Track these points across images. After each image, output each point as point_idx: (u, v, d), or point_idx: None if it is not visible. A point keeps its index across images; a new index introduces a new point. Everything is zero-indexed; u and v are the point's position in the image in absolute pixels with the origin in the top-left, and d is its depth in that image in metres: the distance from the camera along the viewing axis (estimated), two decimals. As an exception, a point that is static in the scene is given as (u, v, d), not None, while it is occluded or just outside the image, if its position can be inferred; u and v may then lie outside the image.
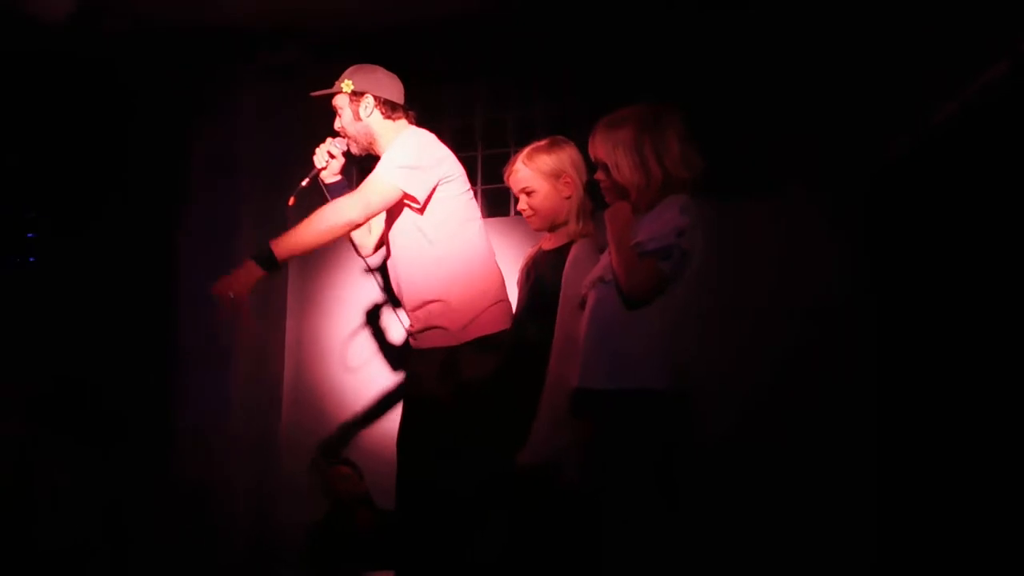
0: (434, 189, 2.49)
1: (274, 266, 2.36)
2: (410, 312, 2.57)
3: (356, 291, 3.81)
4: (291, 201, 2.59)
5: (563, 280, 2.28)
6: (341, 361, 3.84)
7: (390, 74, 2.63)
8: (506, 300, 2.57)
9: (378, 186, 2.44)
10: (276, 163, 3.87)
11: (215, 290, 2.33)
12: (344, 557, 3.34)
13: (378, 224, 2.71)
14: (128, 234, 4.24)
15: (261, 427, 3.87)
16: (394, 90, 2.62)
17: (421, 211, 2.49)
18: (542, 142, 2.47)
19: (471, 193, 2.61)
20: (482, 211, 3.67)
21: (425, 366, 2.52)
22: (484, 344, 2.45)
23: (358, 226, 2.48)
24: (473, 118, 3.71)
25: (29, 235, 4.60)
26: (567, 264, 2.30)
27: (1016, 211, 2.18)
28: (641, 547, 1.86)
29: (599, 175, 2.09)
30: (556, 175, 2.40)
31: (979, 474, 2.27)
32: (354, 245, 2.76)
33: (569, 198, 2.40)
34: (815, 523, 2.87)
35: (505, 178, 2.49)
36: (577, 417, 2.03)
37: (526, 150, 2.46)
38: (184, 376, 3.93)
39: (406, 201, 2.49)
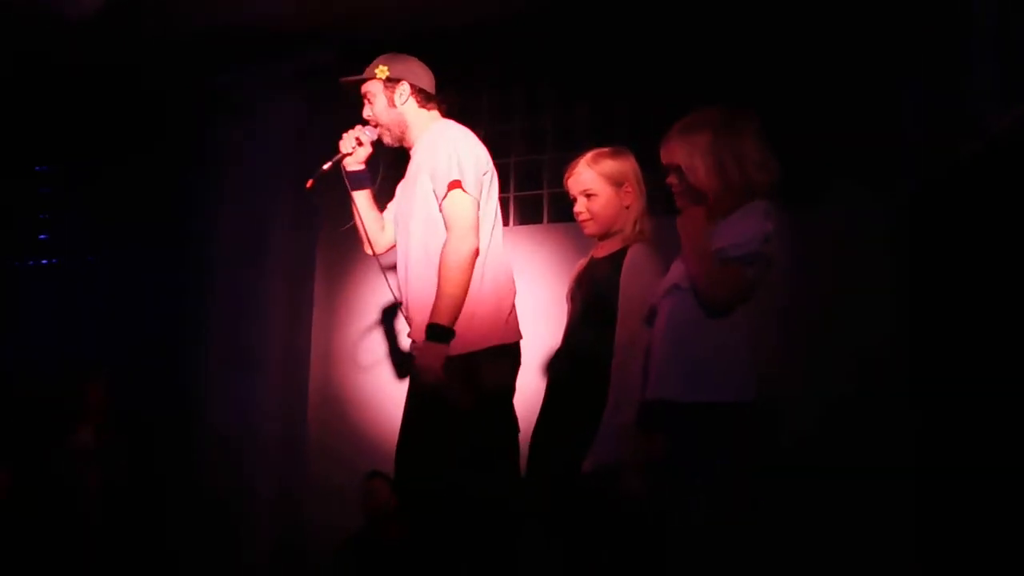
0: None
1: (450, 335, 2.28)
2: (416, 314, 2.41)
3: (382, 296, 3.75)
4: (309, 184, 2.51)
5: (621, 285, 2.23)
6: (367, 366, 3.80)
7: (422, 64, 2.55)
8: (515, 312, 2.47)
9: (460, 205, 2.32)
10: (308, 165, 3.84)
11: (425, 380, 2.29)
12: (375, 571, 3.29)
13: (391, 223, 2.61)
14: (161, 238, 4.26)
15: (288, 431, 3.84)
16: (428, 79, 2.53)
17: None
18: (605, 149, 2.42)
19: (497, 196, 2.51)
20: (515, 219, 3.68)
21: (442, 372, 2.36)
22: (497, 353, 2.36)
23: (476, 250, 2.33)
24: (510, 124, 3.65)
25: (42, 236, 4.64)
26: (624, 269, 2.25)
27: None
28: (717, 563, 1.79)
29: (672, 179, 2.02)
30: (619, 182, 2.35)
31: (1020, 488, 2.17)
32: (368, 240, 2.61)
33: (628, 208, 2.36)
34: (863, 535, 2.81)
35: (565, 180, 2.43)
36: (648, 429, 1.96)
37: (589, 154, 2.41)
38: (213, 380, 3.92)
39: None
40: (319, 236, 3.92)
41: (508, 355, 2.40)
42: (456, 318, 2.28)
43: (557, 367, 2.42)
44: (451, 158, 2.36)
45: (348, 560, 3.43)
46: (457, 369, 2.29)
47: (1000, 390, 2.27)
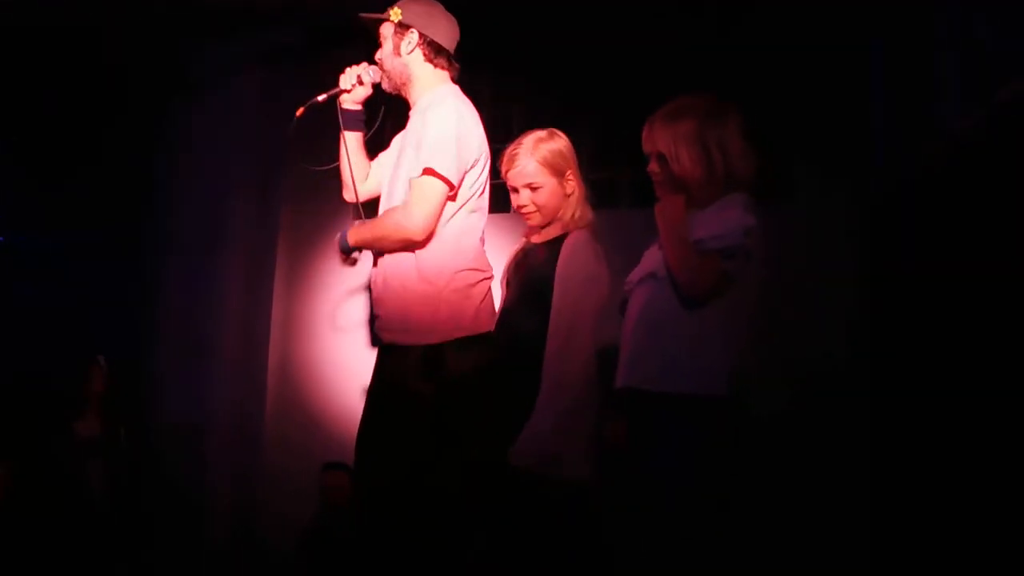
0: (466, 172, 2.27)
1: (350, 250, 2.31)
2: (386, 301, 2.31)
3: (348, 280, 3.68)
4: (299, 112, 2.33)
5: (558, 272, 2.18)
6: (329, 353, 3.75)
7: (448, 15, 2.34)
8: (492, 300, 2.36)
9: (427, 188, 2.20)
10: (269, 146, 3.76)
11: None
12: (334, 563, 3.24)
13: (376, 174, 2.46)
14: (112, 219, 4.12)
15: (245, 421, 3.76)
16: (445, 33, 2.32)
17: (454, 198, 2.27)
18: (541, 133, 2.32)
19: (486, 181, 2.37)
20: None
21: (399, 362, 2.28)
22: (468, 343, 2.25)
23: (426, 233, 2.22)
24: (479, 109, 3.61)
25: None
26: (563, 256, 2.19)
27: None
28: (681, 551, 1.78)
29: (653, 167, 1.98)
30: (561, 171, 2.28)
31: (979, 478, 2.23)
32: (351, 185, 2.45)
33: (570, 195, 2.30)
34: (818, 527, 2.87)
35: (503, 171, 2.33)
36: (613, 416, 1.94)
37: (527, 141, 2.30)
38: (167, 368, 3.82)
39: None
40: (282, 217, 3.84)
41: (476, 346, 2.28)
42: (363, 249, 2.30)
43: (493, 352, 2.28)
44: (437, 140, 2.22)
45: (306, 551, 3.38)
46: (422, 360, 2.22)
47: (962, 388, 2.31)
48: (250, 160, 3.85)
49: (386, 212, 2.29)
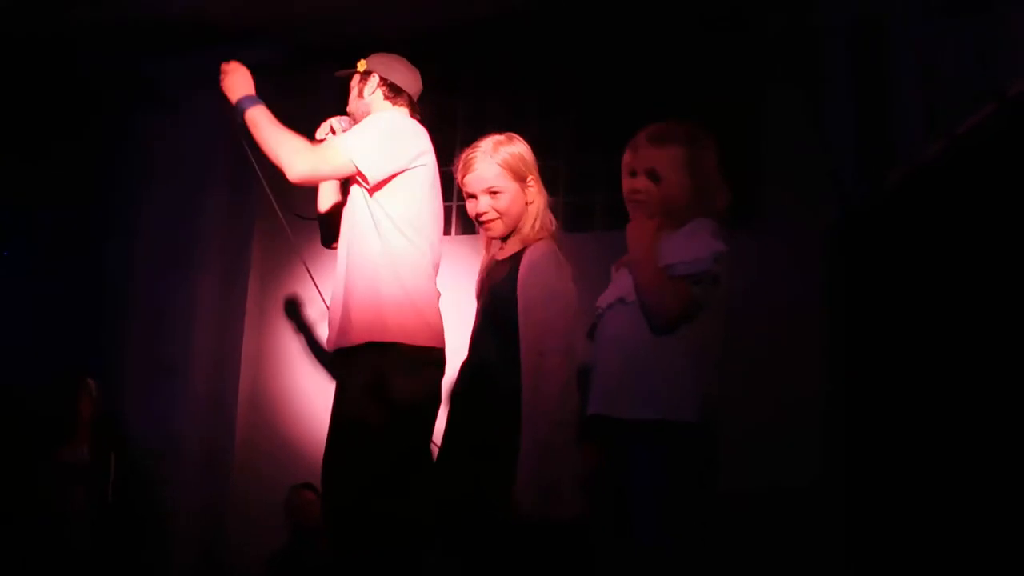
0: (393, 176, 2.28)
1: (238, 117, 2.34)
2: (336, 305, 2.35)
3: (319, 304, 3.66)
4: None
5: (519, 293, 2.04)
6: (301, 373, 3.70)
7: (410, 66, 2.54)
8: (437, 322, 2.31)
9: (332, 151, 2.30)
10: (239, 165, 3.73)
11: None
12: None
13: (339, 217, 2.50)
14: (78, 233, 4.05)
15: (213, 443, 3.70)
16: (403, 77, 2.51)
17: (371, 192, 2.30)
18: (499, 136, 2.18)
19: (436, 193, 2.38)
20: (456, 228, 3.64)
21: (344, 368, 2.30)
22: (406, 356, 2.21)
23: (297, 182, 2.29)
24: (455, 132, 3.62)
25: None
26: (521, 275, 2.05)
27: (992, 252, 2.18)
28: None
29: (641, 184, 1.93)
30: (523, 176, 2.14)
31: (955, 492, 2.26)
32: (323, 233, 2.60)
33: (531, 203, 2.15)
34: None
35: (460, 176, 2.18)
36: (587, 443, 1.92)
37: (485, 145, 2.15)
38: (133, 388, 3.75)
39: (358, 178, 2.30)
40: (254, 235, 3.80)
41: (425, 359, 2.25)
42: (247, 122, 2.33)
43: (462, 380, 2.20)
44: (365, 121, 2.38)
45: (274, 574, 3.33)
46: (364, 359, 2.21)
47: (931, 408, 2.34)
48: (221, 172, 3.82)
49: (292, 136, 2.31)
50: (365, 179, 2.28)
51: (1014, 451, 1.95)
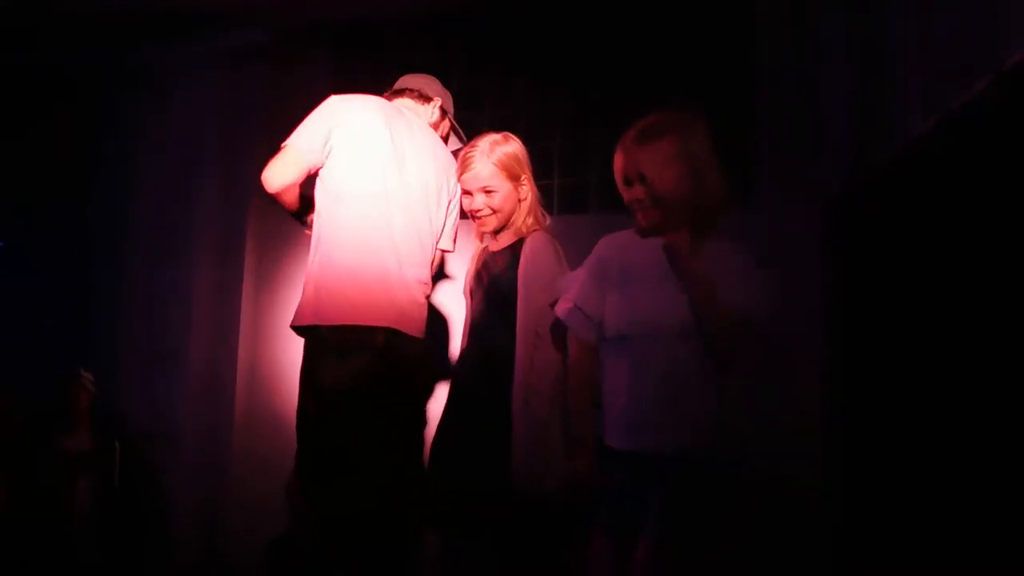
0: (325, 155, 2.31)
1: None
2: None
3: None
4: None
5: (521, 276, 2.18)
6: (298, 358, 3.67)
7: (432, 79, 2.67)
8: (358, 297, 2.24)
9: (278, 158, 2.32)
10: (232, 150, 3.71)
11: None
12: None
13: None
14: (69, 223, 4.03)
15: (211, 434, 3.69)
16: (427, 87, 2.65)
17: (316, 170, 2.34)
18: (496, 136, 2.33)
19: (373, 155, 2.32)
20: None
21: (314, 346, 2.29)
22: (326, 338, 2.20)
23: (279, 193, 2.30)
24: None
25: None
26: (523, 259, 2.20)
27: (988, 229, 2.17)
28: None
29: (637, 192, 1.87)
30: (516, 176, 2.29)
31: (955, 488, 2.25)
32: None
33: (524, 200, 2.32)
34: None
35: (457, 176, 2.34)
36: (616, 471, 1.86)
37: (482, 145, 2.30)
38: (128, 379, 3.75)
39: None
40: (248, 219, 3.77)
41: (345, 340, 2.21)
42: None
43: (463, 368, 2.29)
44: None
45: (274, 566, 3.34)
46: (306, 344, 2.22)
47: (930, 402, 2.33)
48: (213, 159, 3.79)
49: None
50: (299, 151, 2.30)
51: (1015, 441, 1.94)
